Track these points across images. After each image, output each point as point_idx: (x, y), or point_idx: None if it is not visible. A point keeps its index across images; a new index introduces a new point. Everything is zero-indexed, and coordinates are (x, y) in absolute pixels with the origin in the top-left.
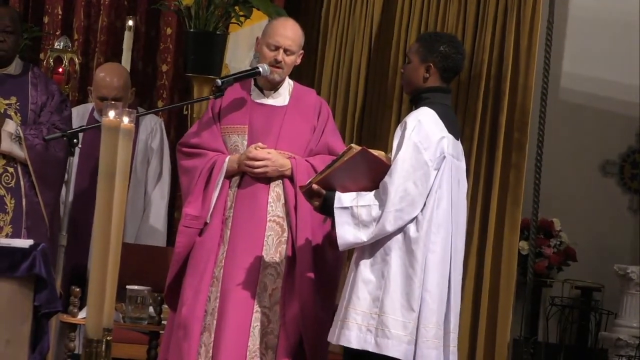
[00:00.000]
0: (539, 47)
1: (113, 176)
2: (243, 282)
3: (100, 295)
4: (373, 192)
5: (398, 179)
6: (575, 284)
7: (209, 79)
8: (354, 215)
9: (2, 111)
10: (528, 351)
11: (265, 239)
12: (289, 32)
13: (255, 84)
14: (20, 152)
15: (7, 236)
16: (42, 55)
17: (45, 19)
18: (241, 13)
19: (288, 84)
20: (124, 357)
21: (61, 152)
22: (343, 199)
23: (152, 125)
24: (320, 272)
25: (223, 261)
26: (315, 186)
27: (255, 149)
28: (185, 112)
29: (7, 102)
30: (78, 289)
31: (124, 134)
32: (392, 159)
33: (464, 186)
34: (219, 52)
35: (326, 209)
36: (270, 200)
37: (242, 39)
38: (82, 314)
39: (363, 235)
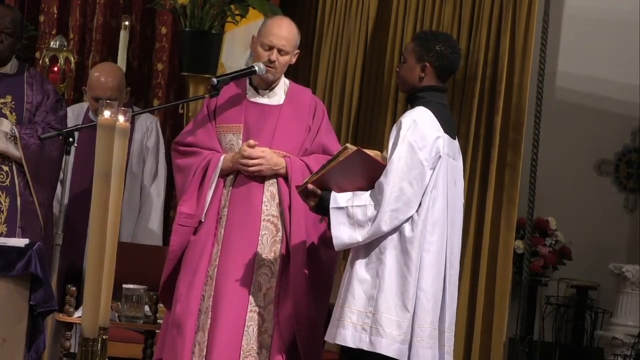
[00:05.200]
0: (535, 47)
1: (109, 175)
2: (237, 281)
3: (96, 294)
4: (369, 192)
5: (393, 179)
6: (570, 282)
7: (204, 78)
8: (349, 215)
9: None
10: (524, 350)
11: (260, 238)
12: (284, 32)
13: (250, 83)
14: (15, 151)
15: (1, 235)
16: (37, 54)
17: (41, 18)
18: (237, 12)
19: (284, 83)
20: (120, 356)
21: (56, 151)
22: (339, 199)
23: (148, 124)
24: (314, 272)
25: (217, 260)
26: (310, 186)
27: (248, 146)
28: (181, 111)
29: (3, 101)
30: (74, 288)
31: (119, 133)
32: (387, 158)
33: (460, 185)
34: (215, 51)
35: (322, 209)
36: (264, 199)
37: (238, 38)
38: (78, 313)
39: (358, 236)
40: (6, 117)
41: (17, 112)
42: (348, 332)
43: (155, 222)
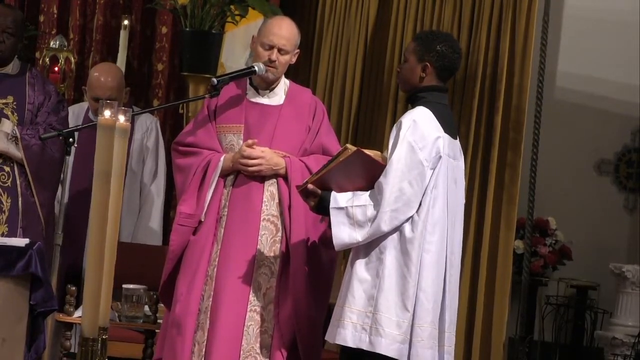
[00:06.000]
0: (535, 47)
1: (108, 175)
2: (237, 281)
3: (96, 294)
4: (369, 192)
5: (393, 179)
6: (570, 282)
7: (204, 78)
8: (349, 216)
9: None
10: (523, 350)
11: (260, 238)
12: (284, 31)
13: (251, 83)
14: (16, 152)
15: (2, 235)
16: (37, 54)
17: (41, 18)
18: (237, 12)
19: (284, 83)
20: (120, 356)
21: (57, 152)
22: (339, 199)
23: (148, 124)
24: (314, 272)
25: (217, 260)
26: (310, 186)
27: (247, 145)
28: (181, 111)
29: (4, 101)
30: (74, 288)
31: (119, 133)
32: (387, 158)
33: (461, 185)
34: (215, 51)
35: (322, 209)
36: (264, 199)
37: (238, 38)
38: (77, 313)
39: (358, 236)
40: (8, 118)
41: (19, 112)
42: (348, 332)
43: (155, 221)
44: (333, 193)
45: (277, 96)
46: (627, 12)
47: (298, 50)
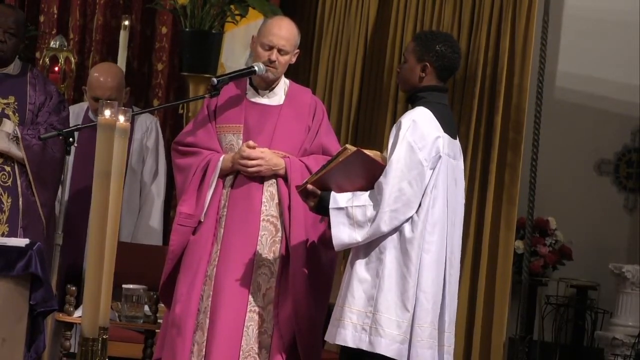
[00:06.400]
0: (534, 47)
1: (108, 175)
2: (236, 281)
3: (96, 294)
4: (368, 192)
5: (393, 179)
6: (570, 282)
7: (204, 78)
8: (349, 216)
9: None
10: (523, 350)
11: (259, 238)
12: (284, 31)
13: (251, 83)
14: (17, 152)
15: (3, 235)
16: (38, 54)
17: (41, 18)
18: (237, 12)
19: (284, 83)
20: (120, 356)
21: (58, 152)
22: (339, 199)
23: (148, 124)
24: (314, 272)
25: (216, 260)
26: (310, 186)
27: (247, 147)
28: (181, 111)
29: (6, 101)
30: (74, 288)
31: (119, 132)
32: (387, 159)
33: (461, 185)
34: (215, 51)
35: (322, 209)
36: (264, 199)
37: (238, 38)
38: (77, 313)
39: (358, 236)
40: (9, 118)
41: (20, 112)
42: (348, 332)
43: (155, 221)
44: (333, 193)
45: (277, 96)
46: (627, 12)
47: (298, 50)
